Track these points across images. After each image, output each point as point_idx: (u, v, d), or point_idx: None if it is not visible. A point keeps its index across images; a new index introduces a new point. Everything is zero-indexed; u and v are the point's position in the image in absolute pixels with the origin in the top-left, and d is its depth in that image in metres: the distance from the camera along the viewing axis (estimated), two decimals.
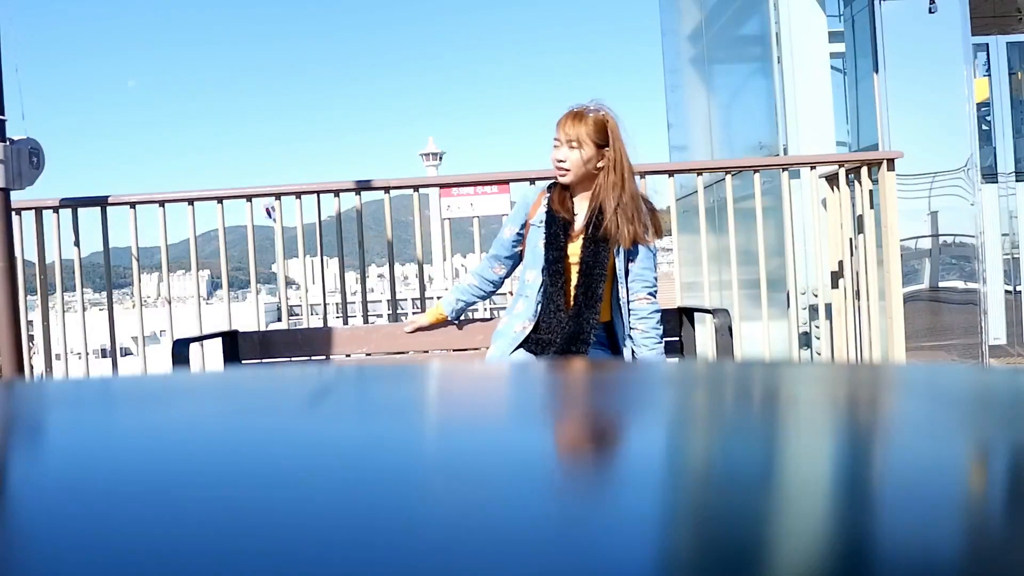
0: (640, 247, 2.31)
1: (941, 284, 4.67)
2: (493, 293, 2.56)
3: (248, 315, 3.48)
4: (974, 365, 3.88)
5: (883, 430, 0.47)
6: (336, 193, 3.52)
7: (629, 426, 0.49)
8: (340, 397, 0.62)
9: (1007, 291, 5.58)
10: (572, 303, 2.28)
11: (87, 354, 3.57)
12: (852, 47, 4.99)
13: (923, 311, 4.60)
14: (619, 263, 2.31)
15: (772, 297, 3.62)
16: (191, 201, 3.49)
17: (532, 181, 3.28)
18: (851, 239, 3.69)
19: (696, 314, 2.67)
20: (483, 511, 0.30)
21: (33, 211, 3.47)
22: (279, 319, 6.80)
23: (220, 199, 3.49)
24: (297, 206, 3.51)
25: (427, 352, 2.71)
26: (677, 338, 2.67)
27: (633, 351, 2.34)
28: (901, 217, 3.78)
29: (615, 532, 0.28)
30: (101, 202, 3.48)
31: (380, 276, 55.72)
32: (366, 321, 3.88)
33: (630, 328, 2.34)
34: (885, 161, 3.55)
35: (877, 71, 4.60)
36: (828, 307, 3.78)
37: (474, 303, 2.61)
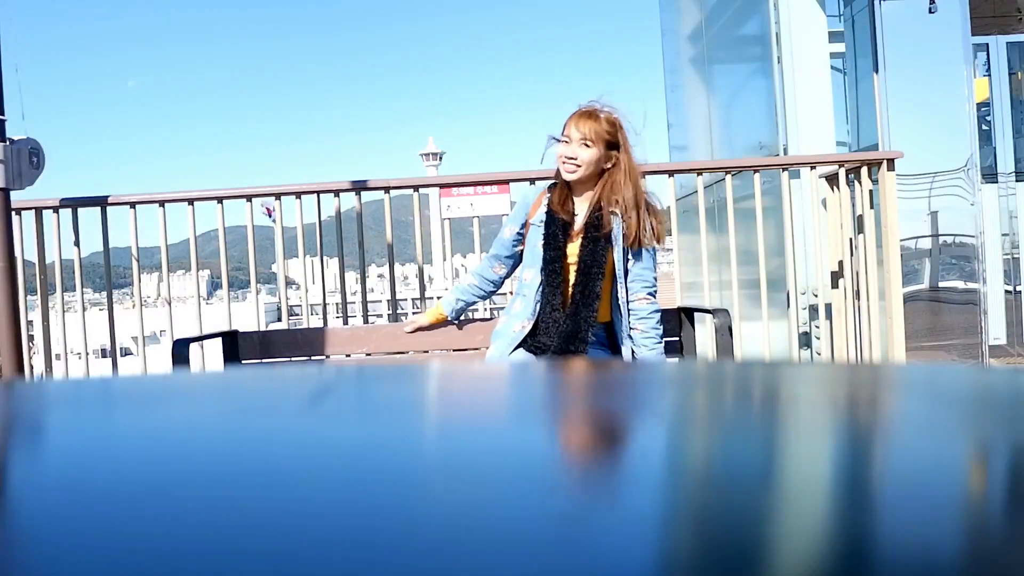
0: (641, 247, 2.32)
1: (941, 284, 4.67)
2: (493, 293, 2.57)
3: (248, 315, 3.49)
4: (974, 365, 3.88)
5: (883, 430, 0.47)
6: (336, 193, 3.52)
7: (629, 426, 0.49)
8: (340, 397, 0.62)
9: (1007, 291, 5.57)
10: (569, 302, 2.28)
11: (87, 354, 3.57)
12: (852, 47, 4.99)
13: (923, 311, 4.60)
14: (619, 263, 2.31)
15: (772, 297, 3.62)
16: (191, 201, 3.49)
17: (532, 181, 3.28)
18: (851, 239, 3.69)
19: (696, 314, 2.67)
20: (483, 511, 0.30)
21: (33, 211, 3.47)
22: (279, 319, 6.80)
23: (220, 199, 3.50)
24: (297, 206, 3.51)
25: (427, 352, 2.71)
26: (677, 338, 2.67)
27: (633, 351, 2.34)
28: (901, 217, 3.78)
29: (615, 532, 0.28)
30: (101, 202, 3.48)
31: (380, 276, 55.72)
32: (366, 321, 3.88)
33: (630, 328, 2.34)
34: (885, 161, 3.55)
35: (877, 71, 4.60)
36: (828, 307, 3.78)
37: (474, 303, 2.62)
